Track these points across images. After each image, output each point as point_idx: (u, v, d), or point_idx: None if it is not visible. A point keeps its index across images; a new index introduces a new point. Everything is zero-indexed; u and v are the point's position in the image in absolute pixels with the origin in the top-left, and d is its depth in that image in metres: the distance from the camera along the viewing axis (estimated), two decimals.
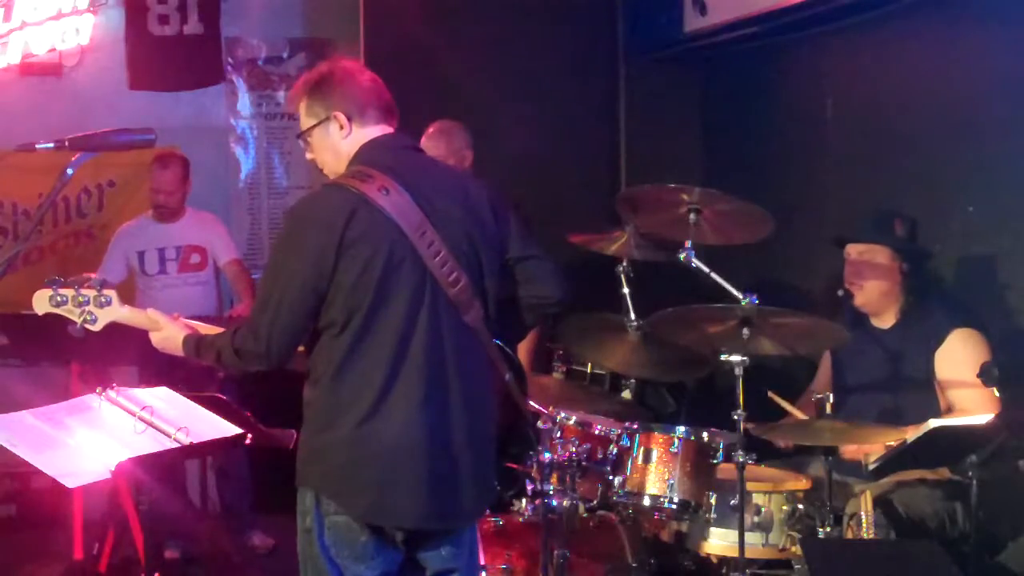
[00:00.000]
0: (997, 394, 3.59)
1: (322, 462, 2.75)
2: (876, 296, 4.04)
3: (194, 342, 2.91)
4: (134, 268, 5.52)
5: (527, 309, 2.99)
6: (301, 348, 2.82)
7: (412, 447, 2.71)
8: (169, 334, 2.96)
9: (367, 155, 2.82)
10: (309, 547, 2.78)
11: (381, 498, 2.72)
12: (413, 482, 2.72)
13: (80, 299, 2.96)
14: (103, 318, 2.97)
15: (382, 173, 2.73)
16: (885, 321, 4.09)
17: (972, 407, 3.72)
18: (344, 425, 2.71)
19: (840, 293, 4.07)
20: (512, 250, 2.93)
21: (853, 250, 4.07)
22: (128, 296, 5.35)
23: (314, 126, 2.86)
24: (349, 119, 2.83)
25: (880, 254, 4.01)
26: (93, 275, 4.82)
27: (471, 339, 2.80)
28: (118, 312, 2.98)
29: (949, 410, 3.87)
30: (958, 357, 3.85)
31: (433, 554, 2.85)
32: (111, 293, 2.97)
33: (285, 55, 6.71)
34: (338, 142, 2.85)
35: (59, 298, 2.95)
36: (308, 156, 2.94)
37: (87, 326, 2.97)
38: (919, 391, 3.94)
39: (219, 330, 2.97)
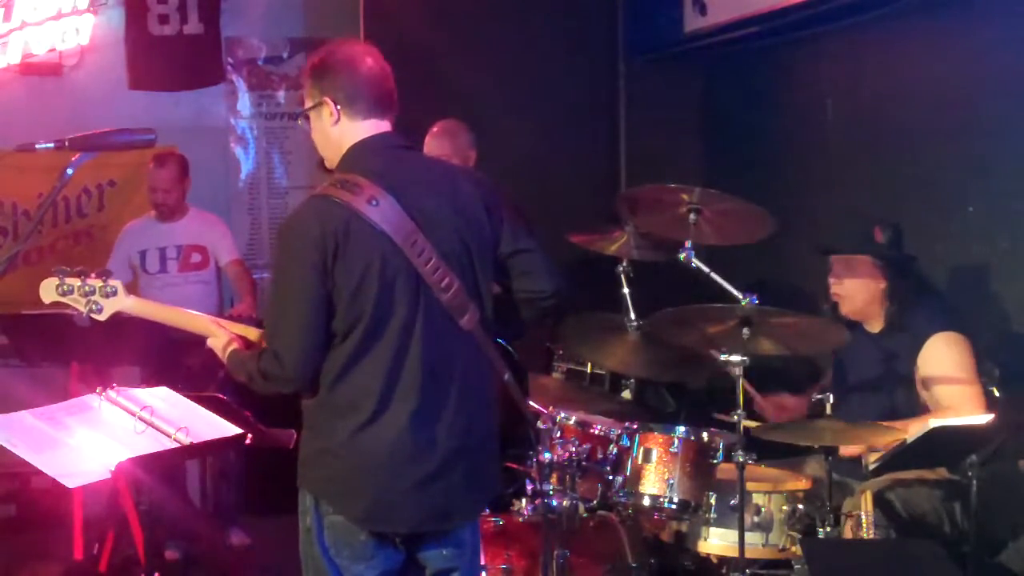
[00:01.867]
0: (997, 394, 3.59)
1: (319, 467, 2.76)
2: (861, 305, 4.02)
3: (233, 356, 2.88)
4: (136, 267, 5.54)
5: (522, 304, 2.95)
6: None
7: (407, 454, 2.71)
8: (219, 341, 2.93)
9: (355, 160, 2.79)
10: (309, 547, 2.78)
11: (377, 504, 2.72)
12: (407, 488, 2.71)
13: (86, 289, 2.96)
14: (108, 308, 2.97)
15: (370, 181, 2.70)
16: (874, 327, 4.08)
17: (958, 404, 3.72)
18: (341, 432, 2.70)
19: (825, 307, 4.06)
20: (504, 245, 2.89)
21: (836, 260, 4.05)
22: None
23: (310, 108, 2.85)
24: (338, 107, 2.80)
25: (861, 263, 4.00)
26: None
27: (468, 343, 2.79)
28: (123, 302, 2.98)
29: (935, 409, 3.86)
30: (940, 358, 3.83)
31: (434, 554, 2.85)
32: (117, 283, 2.97)
33: (285, 55, 6.71)
34: (328, 128, 2.82)
35: (65, 287, 2.95)
36: (314, 138, 2.91)
37: (93, 316, 2.97)
38: (909, 393, 3.94)
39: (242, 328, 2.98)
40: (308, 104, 2.86)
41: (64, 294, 2.96)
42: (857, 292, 4.00)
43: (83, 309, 2.97)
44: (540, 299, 2.95)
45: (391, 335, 2.69)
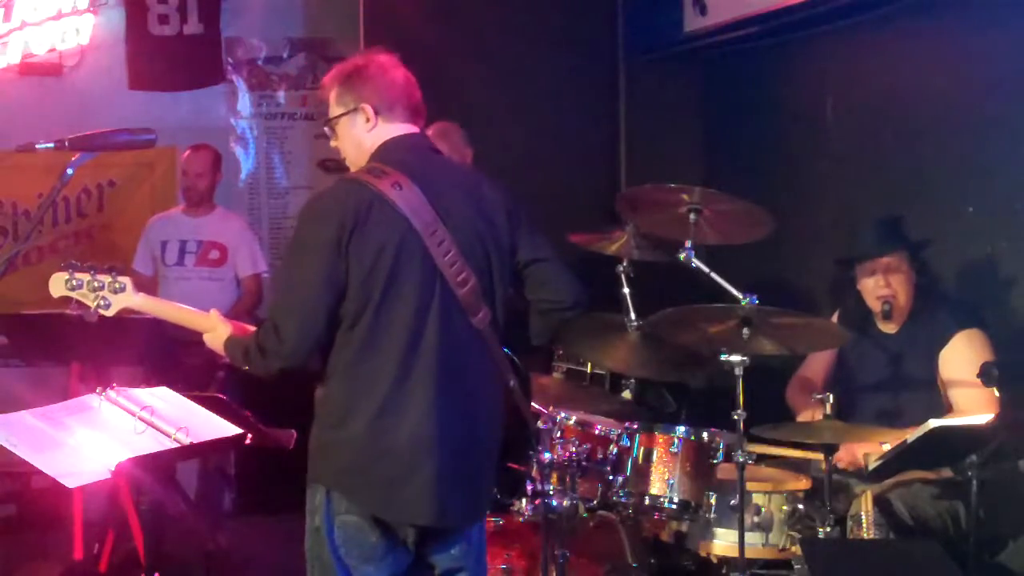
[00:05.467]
0: (997, 394, 3.59)
1: (334, 458, 2.75)
2: (904, 303, 4.06)
3: (230, 342, 2.90)
4: (157, 259, 5.58)
5: (540, 315, 2.97)
6: None
7: (424, 444, 2.71)
8: (217, 335, 2.94)
9: (385, 153, 2.84)
10: (318, 546, 2.77)
11: (393, 494, 2.72)
12: (425, 479, 2.72)
13: (95, 284, 2.98)
14: (116, 304, 2.99)
15: (397, 170, 2.75)
16: (891, 326, 4.09)
17: (972, 407, 3.72)
18: (356, 421, 2.71)
19: (885, 309, 4.04)
20: (523, 253, 2.92)
21: (881, 263, 4.05)
22: (153, 288, 5.45)
23: (341, 115, 2.88)
24: (376, 113, 2.85)
25: (902, 260, 4.04)
26: None
27: (479, 341, 2.80)
28: (132, 299, 2.99)
29: (949, 410, 3.87)
30: (962, 357, 3.86)
31: (443, 553, 2.85)
32: (125, 280, 2.99)
33: (285, 55, 6.71)
34: (362, 134, 2.87)
35: (75, 282, 2.98)
36: (332, 143, 2.95)
37: (100, 311, 2.99)
38: (923, 393, 3.95)
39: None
40: (338, 112, 2.89)
41: (73, 288, 2.98)
42: (902, 291, 4.04)
43: (91, 304, 2.99)
44: (559, 309, 2.98)
45: (404, 319, 2.70)
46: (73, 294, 2.99)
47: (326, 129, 2.95)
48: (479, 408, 2.81)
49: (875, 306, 4.07)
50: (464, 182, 2.89)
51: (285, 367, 2.74)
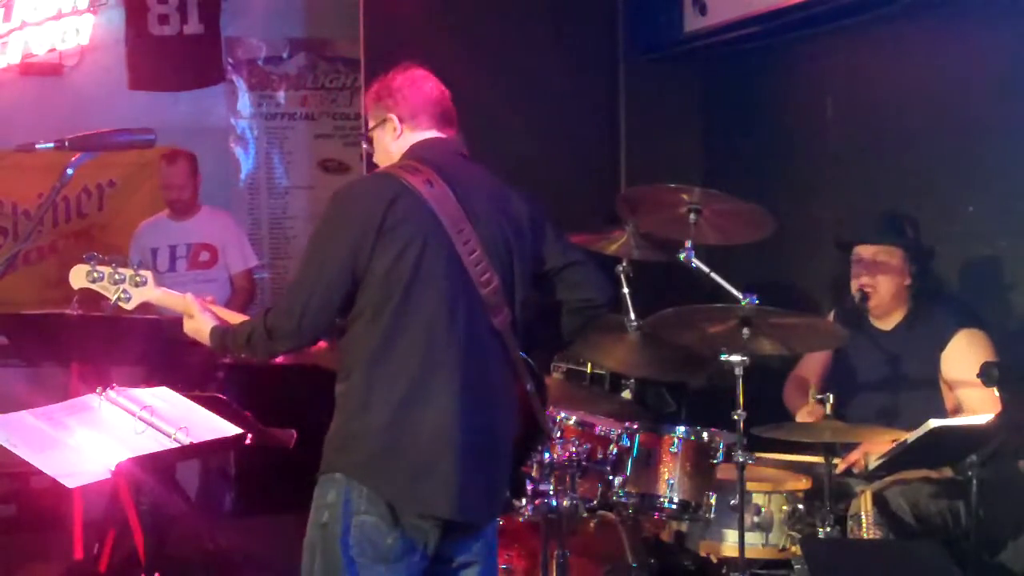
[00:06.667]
0: (997, 394, 3.59)
1: (357, 449, 2.74)
2: (888, 298, 4.05)
3: (220, 333, 2.92)
4: (148, 266, 5.57)
5: (574, 313, 3.03)
6: (323, 344, 2.87)
7: (446, 437, 2.71)
8: (199, 326, 2.97)
9: (417, 152, 2.89)
10: (323, 543, 2.74)
11: (414, 486, 2.71)
12: (446, 472, 2.71)
13: (117, 276, 2.98)
14: (137, 297, 2.99)
15: (428, 168, 2.80)
16: (887, 323, 4.09)
17: (980, 407, 3.72)
18: (380, 411, 2.71)
19: (857, 298, 4.05)
20: (553, 259, 2.98)
21: (865, 252, 4.05)
22: None
23: (374, 127, 2.98)
24: (401, 122, 2.92)
25: (893, 255, 4.02)
26: None
27: (498, 342, 2.83)
28: (153, 293, 2.99)
29: (957, 411, 3.87)
30: (965, 358, 3.84)
31: (461, 548, 2.85)
32: (147, 273, 3.00)
33: (285, 55, 6.71)
34: (390, 144, 2.95)
35: (96, 274, 2.97)
36: (376, 158, 3.02)
37: (121, 304, 2.99)
38: (921, 392, 3.94)
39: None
40: (372, 124, 2.99)
41: (94, 281, 2.98)
42: (886, 286, 4.03)
43: (111, 297, 2.99)
44: (592, 307, 3.05)
45: (430, 313, 2.72)
46: (94, 286, 2.99)
47: (364, 144, 3.05)
48: (498, 407, 2.84)
49: (856, 295, 4.08)
50: (491, 186, 2.94)
51: (292, 348, 2.81)
